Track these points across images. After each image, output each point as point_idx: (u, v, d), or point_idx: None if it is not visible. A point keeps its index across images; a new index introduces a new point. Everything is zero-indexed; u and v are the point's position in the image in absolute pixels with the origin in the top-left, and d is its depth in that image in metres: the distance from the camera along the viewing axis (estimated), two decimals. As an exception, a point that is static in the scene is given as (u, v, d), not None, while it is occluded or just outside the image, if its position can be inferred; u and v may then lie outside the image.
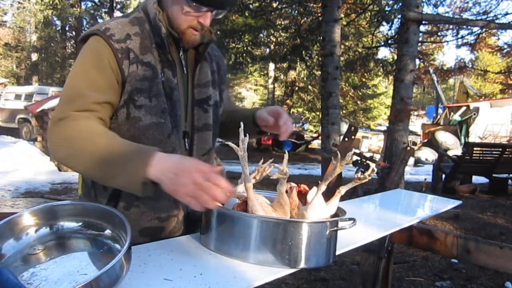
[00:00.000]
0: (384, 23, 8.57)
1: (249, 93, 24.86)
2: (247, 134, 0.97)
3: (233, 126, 1.23)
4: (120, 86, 1.08)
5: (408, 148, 5.69)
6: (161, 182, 0.90)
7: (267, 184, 1.08)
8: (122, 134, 1.07)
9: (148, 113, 1.09)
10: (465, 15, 10.53)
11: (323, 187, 1.06)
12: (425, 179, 7.92)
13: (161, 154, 0.93)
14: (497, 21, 7.19)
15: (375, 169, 1.06)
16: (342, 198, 1.14)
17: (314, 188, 1.07)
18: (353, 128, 5.53)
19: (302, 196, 1.10)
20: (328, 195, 1.09)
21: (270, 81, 18.45)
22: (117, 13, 20.32)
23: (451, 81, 29.77)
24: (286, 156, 1.02)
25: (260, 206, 1.00)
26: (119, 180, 0.94)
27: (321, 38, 7.27)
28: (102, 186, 1.14)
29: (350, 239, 1.20)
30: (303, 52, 10.83)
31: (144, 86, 1.08)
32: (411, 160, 11.09)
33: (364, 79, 14.14)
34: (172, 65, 1.15)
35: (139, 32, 1.11)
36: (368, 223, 1.42)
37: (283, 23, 11.95)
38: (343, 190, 1.09)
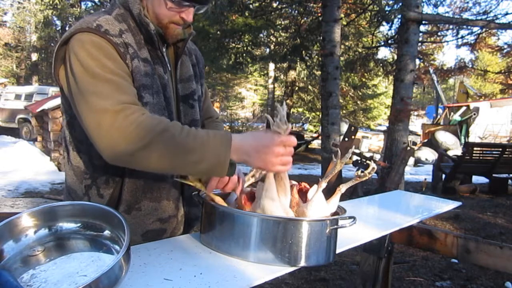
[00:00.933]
0: (384, 23, 8.56)
1: (249, 93, 24.86)
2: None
3: None
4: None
5: (408, 148, 5.69)
6: (246, 162, 0.97)
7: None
8: None
9: (152, 110, 1.06)
10: (465, 15, 10.53)
11: (324, 184, 1.06)
12: (425, 179, 7.92)
13: (236, 135, 0.97)
14: (497, 21, 7.19)
15: (375, 167, 1.06)
16: (342, 198, 1.14)
17: (315, 186, 1.08)
18: (353, 128, 5.53)
19: (303, 194, 1.10)
20: (328, 194, 1.09)
21: (270, 81, 18.45)
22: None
23: (451, 81, 29.77)
24: (284, 105, 0.99)
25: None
26: (203, 165, 0.93)
27: (321, 38, 7.27)
28: (97, 193, 1.10)
29: (350, 238, 1.20)
30: (303, 52, 10.82)
31: (147, 82, 1.07)
32: (411, 160, 11.08)
33: (364, 79, 14.12)
34: (162, 61, 1.14)
35: (127, 28, 1.07)
36: (368, 222, 1.42)
37: (283, 23, 11.94)
38: (343, 188, 1.10)
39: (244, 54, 10.26)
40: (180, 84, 1.19)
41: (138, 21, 1.08)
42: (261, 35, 11.49)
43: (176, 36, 1.13)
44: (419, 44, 7.97)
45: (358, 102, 17.67)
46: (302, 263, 0.96)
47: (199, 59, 1.31)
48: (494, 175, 7.38)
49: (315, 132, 17.90)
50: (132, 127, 0.90)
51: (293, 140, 0.96)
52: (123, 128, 0.90)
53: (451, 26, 8.48)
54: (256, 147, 0.95)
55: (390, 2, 8.61)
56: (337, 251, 1.06)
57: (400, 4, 6.58)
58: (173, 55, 1.21)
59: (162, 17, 1.09)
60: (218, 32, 9.07)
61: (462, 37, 8.94)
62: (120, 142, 0.90)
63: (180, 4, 1.06)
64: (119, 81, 0.97)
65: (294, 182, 1.11)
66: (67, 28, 19.79)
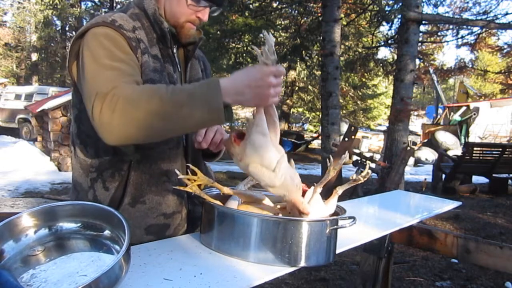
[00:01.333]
0: (384, 23, 8.56)
1: (249, 93, 24.83)
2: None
3: None
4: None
5: (408, 148, 5.69)
6: (240, 103, 0.94)
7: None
8: None
9: None
10: (465, 15, 10.53)
11: (319, 190, 1.06)
12: (425, 179, 7.92)
13: (224, 78, 0.94)
14: (497, 21, 7.19)
15: (369, 172, 1.06)
16: (342, 198, 1.14)
17: (310, 190, 1.07)
18: (353, 128, 5.53)
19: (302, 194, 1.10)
20: (327, 194, 1.09)
21: (270, 81, 18.41)
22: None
23: (451, 81, 29.76)
24: (271, 36, 0.94)
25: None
26: (198, 116, 0.90)
27: (321, 38, 7.27)
28: (103, 186, 1.11)
29: (350, 238, 1.20)
30: (303, 52, 10.83)
31: (156, 77, 1.09)
32: (411, 160, 11.08)
33: (364, 79, 14.14)
34: (172, 60, 1.17)
35: (141, 26, 1.11)
36: (368, 223, 1.42)
37: (283, 23, 11.94)
38: (340, 190, 1.10)
39: (244, 54, 10.26)
40: None
41: (152, 19, 1.12)
42: (261, 35, 11.49)
43: (190, 36, 1.16)
44: (419, 44, 7.97)
45: (358, 102, 17.68)
46: (302, 264, 0.96)
47: (206, 66, 1.36)
48: (494, 175, 7.38)
49: (315, 132, 17.92)
50: (120, 104, 0.90)
51: (283, 70, 0.94)
52: (112, 106, 0.90)
53: (451, 26, 8.49)
54: (248, 84, 0.92)
55: (390, 2, 8.62)
56: (337, 251, 1.06)
57: (400, 4, 6.59)
58: (183, 57, 1.24)
59: (179, 16, 1.12)
60: (218, 32, 9.07)
61: (462, 37, 8.95)
62: (112, 122, 0.90)
63: (199, 3, 1.10)
64: (125, 68, 1.00)
65: None
66: (67, 28, 19.87)
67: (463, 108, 15.27)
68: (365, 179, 1.06)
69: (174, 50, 1.19)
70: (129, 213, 1.11)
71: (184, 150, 1.20)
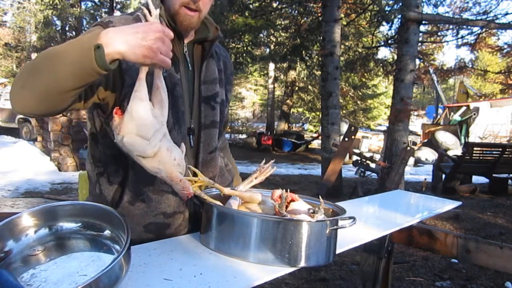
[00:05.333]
0: (384, 23, 8.56)
1: (249, 93, 24.88)
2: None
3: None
4: (118, 78, 1.04)
5: (408, 148, 5.69)
6: (124, 54, 0.83)
7: (267, 184, 1.08)
8: None
9: None
10: (465, 15, 10.52)
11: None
12: (425, 179, 7.92)
13: (108, 29, 0.85)
14: (497, 21, 7.19)
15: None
16: (342, 198, 1.14)
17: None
18: (353, 128, 5.54)
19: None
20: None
21: (270, 81, 18.45)
22: (117, 13, 20.31)
23: (451, 81, 29.76)
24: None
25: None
26: (70, 58, 0.82)
27: (321, 38, 7.27)
28: (107, 180, 1.15)
29: (350, 238, 1.20)
30: (303, 52, 10.83)
31: (148, 78, 1.07)
32: (411, 160, 11.08)
33: (364, 79, 14.13)
34: (174, 60, 1.14)
35: None
36: (368, 223, 1.42)
37: (283, 23, 11.94)
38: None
39: (244, 54, 10.25)
40: (203, 85, 1.20)
41: None
42: (261, 35, 11.49)
43: (189, 24, 1.11)
44: (419, 44, 7.97)
45: (358, 102, 17.69)
46: (302, 264, 0.96)
47: (228, 66, 1.32)
48: (494, 175, 7.38)
49: (315, 132, 17.92)
50: (18, 76, 0.89)
51: (171, 33, 0.87)
52: (16, 79, 0.90)
53: (451, 26, 8.48)
54: (136, 31, 0.83)
55: (390, 2, 8.62)
56: (337, 251, 1.06)
57: (400, 4, 6.59)
58: (201, 56, 1.21)
59: (173, 1, 1.08)
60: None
61: (462, 37, 8.94)
62: (13, 93, 0.90)
63: None
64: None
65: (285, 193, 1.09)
66: (67, 28, 19.85)
67: (463, 108, 15.27)
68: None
69: (185, 49, 1.16)
70: (128, 210, 1.13)
71: (195, 152, 1.20)
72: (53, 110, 0.91)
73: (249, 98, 25.08)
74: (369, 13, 9.15)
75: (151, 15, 0.92)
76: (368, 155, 8.09)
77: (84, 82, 0.86)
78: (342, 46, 9.87)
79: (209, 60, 1.22)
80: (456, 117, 14.92)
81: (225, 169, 1.38)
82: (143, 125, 0.87)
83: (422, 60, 11.43)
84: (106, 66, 0.82)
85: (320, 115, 7.36)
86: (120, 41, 0.82)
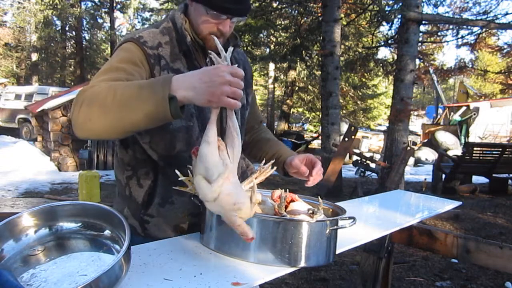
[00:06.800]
0: (384, 23, 8.56)
1: (249, 93, 24.83)
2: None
3: (256, 153, 1.38)
4: None
5: (408, 148, 5.69)
6: (192, 99, 0.90)
7: (267, 184, 1.08)
8: (156, 136, 1.14)
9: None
10: (465, 15, 10.51)
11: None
12: (425, 179, 7.92)
13: (178, 75, 0.92)
14: (497, 21, 7.19)
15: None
16: (342, 198, 1.14)
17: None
18: (353, 128, 5.53)
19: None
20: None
21: (270, 81, 18.46)
22: (117, 13, 20.33)
23: (451, 81, 29.77)
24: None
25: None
26: (145, 106, 0.89)
27: (321, 38, 7.27)
28: (137, 183, 1.21)
29: (350, 238, 1.20)
30: (303, 52, 10.83)
31: None
32: (411, 160, 11.08)
33: (364, 79, 14.14)
34: None
35: (168, 41, 1.17)
36: (368, 223, 1.42)
37: (283, 23, 11.94)
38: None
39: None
40: None
41: (180, 33, 1.17)
42: (261, 35, 11.50)
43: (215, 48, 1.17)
44: (419, 44, 7.97)
45: (358, 102, 17.69)
46: (302, 264, 0.96)
47: (247, 70, 1.36)
48: (494, 175, 7.38)
49: (315, 132, 17.91)
50: (83, 102, 0.93)
51: (241, 72, 0.91)
52: (79, 104, 0.94)
53: (451, 26, 8.48)
54: (201, 77, 0.89)
55: (390, 2, 8.62)
56: (337, 251, 1.06)
57: (400, 4, 6.59)
58: None
59: (202, 29, 1.16)
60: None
61: (462, 37, 8.93)
62: (77, 118, 0.94)
63: (217, 17, 1.13)
64: (121, 76, 1.02)
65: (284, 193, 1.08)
66: (67, 28, 19.85)
67: (463, 108, 15.27)
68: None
69: (207, 60, 1.20)
70: (159, 212, 1.20)
71: None
72: (114, 138, 1.02)
73: (249, 98, 25.04)
74: (369, 13, 9.14)
75: (220, 57, 0.95)
76: (368, 155, 8.10)
77: (154, 125, 0.95)
78: (342, 46, 9.87)
79: None
80: (456, 117, 14.92)
81: (247, 170, 1.43)
82: (208, 168, 0.89)
83: (422, 60, 11.42)
84: (178, 115, 0.90)
85: (320, 115, 7.36)
86: (188, 88, 0.89)
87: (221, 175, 0.89)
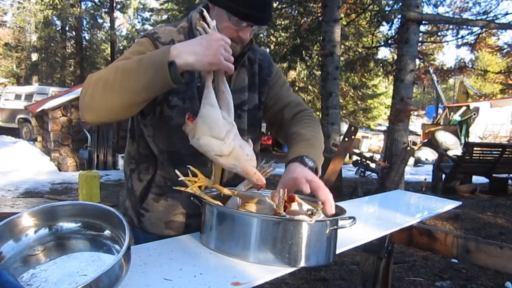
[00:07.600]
0: (384, 23, 8.56)
1: (249, 93, 24.84)
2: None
3: (285, 142, 1.31)
4: None
5: (408, 148, 5.69)
6: (193, 64, 0.94)
7: (267, 184, 1.08)
8: (157, 131, 1.19)
9: (181, 113, 1.14)
10: (465, 15, 10.50)
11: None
12: (425, 179, 7.92)
13: (175, 44, 0.97)
14: (497, 21, 7.19)
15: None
16: (342, 198, 1.14)
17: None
18: (353, 128, 5.53)
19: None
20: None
21: (270, 81, 18.42)
22: (117, 13, 20.33)
23: (451, 81, 29.77)
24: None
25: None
26: (145, 76, 0.93)
27: (321, 38, 7.27)
28: (138, 177, 1.25)
29: (350, 238, 1.20)
30: (303, 52, 10.83)
31: (180, 88, 1.14)
32: (411, 160, 11.09)
33: (364, 79, 14.13)
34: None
35: (182, 39, 1.18)
36: (368, 223, 1.42)
37: (283, 23, 11.94)
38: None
39: (244, 54, 10.25)
40: (234, 94, 1.22)
41: (194, 33, 1.18)
42: (261, 35, 11.49)
43: (233, 51, 1.17)
44: (419, 44, 7.97)
45: (358, 102, 17.68)
46: (302, 264, 0.96)
47: (264, 67, 1.33)
48: (494, 175, 7.38)
49: (315, 132, 17.85)
50: (89, 86, 0.98)
51: (228, 40, 0.97)
52: (84, 90, 0.99)
53: (451, 26, 8.48)
54: (201, 42, 0.95)
55: (390, 2, 8.61)
56: (337, 251, 1.06)
57: (400, 4, 6.59)
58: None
59: (222, 33, 1.15)
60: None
61: (462, 37, 8.93)
62: (84, 102, 1.00)
63: (238, 23, 1.13)
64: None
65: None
66: (67, 28, 19.84)
67: (463, 108, 15.27)
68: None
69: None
70: (153, 206, 1.24)
71: None
72: (121, 119, 1.04)
73: (249, 98, 25.05)
74: (369, 13, 9.14)
75: (209, 27, 1.02)
76: (368, 155, 8.09)
77: (156, 94, 0.99)
78: (342, 46, 9.87)
79: (240, 70, 1.26)
80: (456, 117, 14.92)
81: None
82: (217, 127, 0.96)
83: (422, 60, 11.41)
84: (178, 79, 0.94)
85: (320, 115, 7.36)
86: (188, 53, 0.94)
87: (230, 131, 0.97)
